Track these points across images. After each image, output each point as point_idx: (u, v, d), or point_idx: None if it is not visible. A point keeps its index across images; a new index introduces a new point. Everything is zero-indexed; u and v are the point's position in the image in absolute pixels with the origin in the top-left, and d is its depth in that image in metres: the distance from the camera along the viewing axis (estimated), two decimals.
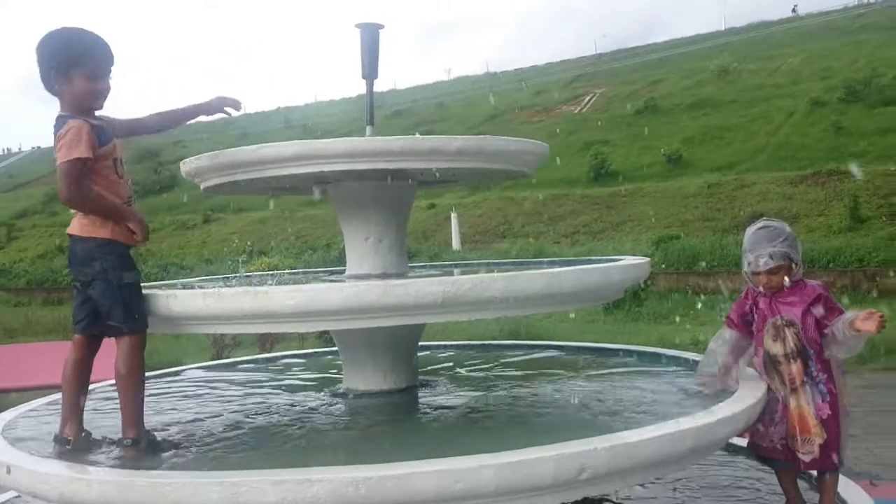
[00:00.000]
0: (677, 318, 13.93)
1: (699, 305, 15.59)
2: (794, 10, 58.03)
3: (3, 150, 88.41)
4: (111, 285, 2.75)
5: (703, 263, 17.94)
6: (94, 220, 2.78)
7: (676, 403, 3.22)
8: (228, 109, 3.12)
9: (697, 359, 4.08)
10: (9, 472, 2.65)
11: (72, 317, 2.92)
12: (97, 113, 2.86)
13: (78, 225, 2.80)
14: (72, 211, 2.84)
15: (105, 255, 2.76)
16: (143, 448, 2.75)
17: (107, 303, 2.77)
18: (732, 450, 3.93)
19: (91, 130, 2.72)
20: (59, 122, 2.76)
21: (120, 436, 2.78)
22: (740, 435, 3.31)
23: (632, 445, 2.51)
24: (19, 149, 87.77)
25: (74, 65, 2.76)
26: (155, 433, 2.89)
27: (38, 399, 3.86)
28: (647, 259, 3.60)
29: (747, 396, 3.12)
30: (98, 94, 2.81)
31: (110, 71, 2.85)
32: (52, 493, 2.49)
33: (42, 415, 3.52)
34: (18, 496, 3.28)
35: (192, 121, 3.20)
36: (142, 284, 2.90)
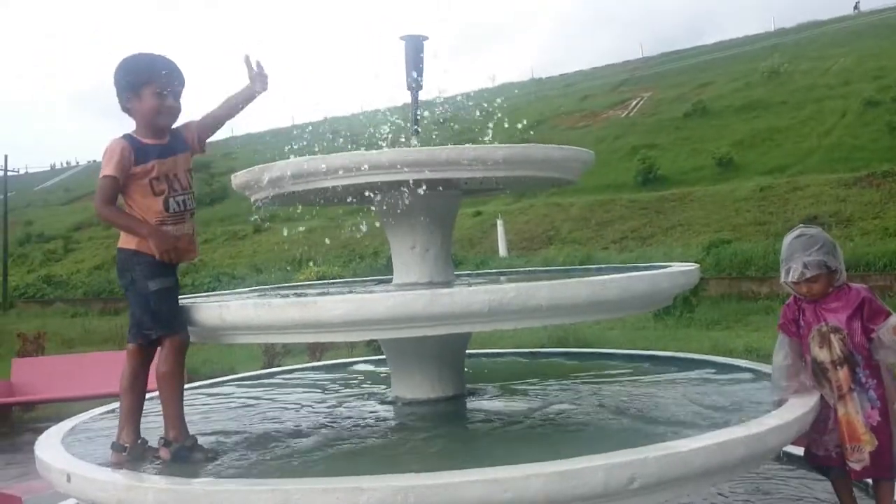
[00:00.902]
0: (730, 325, 13.71)
1: (752, 311, 15.34)
2: (855, 8, 56.62)
3: (62, 163, 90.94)
4: (139, 294, 2.87)
5: (756, 268, 17.62)
6: (126, 234, 2.92)
7: (728, 412, 3.18)
8: (264, 78, 3.15)
9: (751, 367, 4.04)
10: (69, 479, 2.72)
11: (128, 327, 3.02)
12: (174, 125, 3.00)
13: (121, 237, 2.95)
14: None
15: (134, 264, 2.88)
16: (179, 450, 2.82)
17: (137, 311, 2.89)
18: (787, 458, 3.86)
19: (129, 151, 2.85)
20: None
21: (162, 437, 2.85)
22: (795, 444, 3.24)
23: (683, 455, 2.49)
24: (76, 163, 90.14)
25: (141, 86, 2.91)
26: (198, 438, 2.95)
27: (96, 408, 3.95)
28: (696, 265, 3.55)
29: (798, 405, 3.07)
30: (165, 112, 2.94)
31: (180, 92, 2.98)
32: (109, 500, 2.55)
33: (100, 423, 3.61)
34: (78, 503, 3.37)
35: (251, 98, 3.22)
36: (194, 295, 2.97)
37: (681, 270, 3.33)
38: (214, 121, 3.16)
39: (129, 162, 2.84)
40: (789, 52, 43.03)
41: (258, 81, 3.14)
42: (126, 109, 2.97)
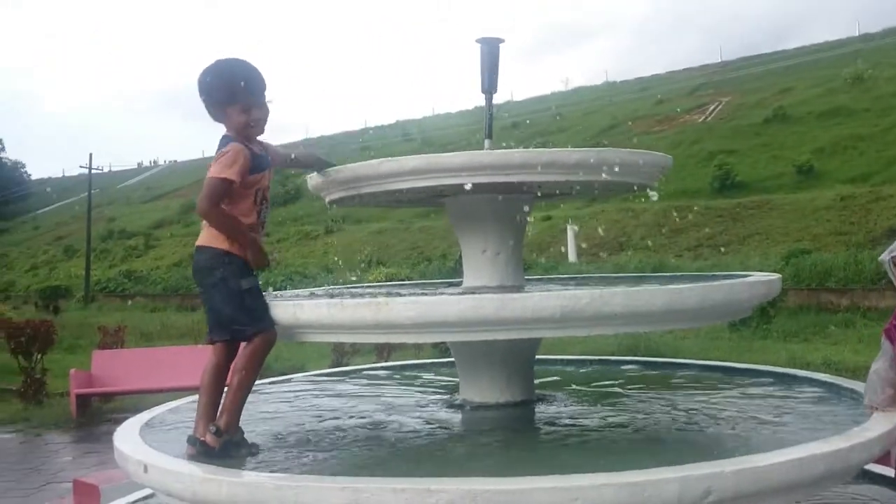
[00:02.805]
0: (808, 337, 13.31)
1: (831, 324, 14.86)
2: None
3: (150, 161, 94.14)
4: (231, 292, 2.90)
5: (836, 280, 17.06)
6: (217, 234, 2.94)
7: (808, 427, 3.08)
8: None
9: (831, 380, 3.90)
10: (146, 470, 2.79)
11: (207, 325, 3.07)
12: (259, 138, 3.07)
13: (206, 236, 2.97)
14: (203, 222, 3.00)
15: (225, 264, 2.92)
16: (227, 443, 2.83)
17: (228, 309, 2.91)
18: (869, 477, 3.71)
19: (250, 158, 2.92)
20: (224, 140, 2.97)
21: (214, 424, 2.87)
22: (878, 462, 3.12)
23: (760, 470, 2.41)
24: (157, 162, 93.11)
25: (231, 100, 2.97)
26: (244, 432, 2.96)
27: (173, 401, 4.05)
28: (778, 276, 3.45)
29: (884, 421, 2.94)
30: (257, 121, 3.01)
31: (264, 97, 3.05)
32: (185, 493, 2.61)
33: (177, 415, 3.69)
34: (153, 494, 3.46)
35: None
36: (271, 293, 3.02)
37: (761, 280, 3.24)
38: (288, 161, 3.37)
39: (247, 170, 2.90)
40: (873, 57, 41.59)
41: (318, 166, 3.41)
42: (216, 118, 3.03)
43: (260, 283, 3.01)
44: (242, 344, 2.98)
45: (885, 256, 3.13)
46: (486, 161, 3.19)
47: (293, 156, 3.38)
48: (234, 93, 2.96)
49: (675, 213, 26.51)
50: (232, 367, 2.96)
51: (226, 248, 2.92)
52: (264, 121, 3.04)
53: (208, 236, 2.95)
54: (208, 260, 2.94)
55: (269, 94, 3.05)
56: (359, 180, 3.36)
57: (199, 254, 2.97)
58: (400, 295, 3.04)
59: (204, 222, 2.99)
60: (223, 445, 2.83)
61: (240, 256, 2.92)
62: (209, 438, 2.83)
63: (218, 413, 2.89)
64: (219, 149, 2.94)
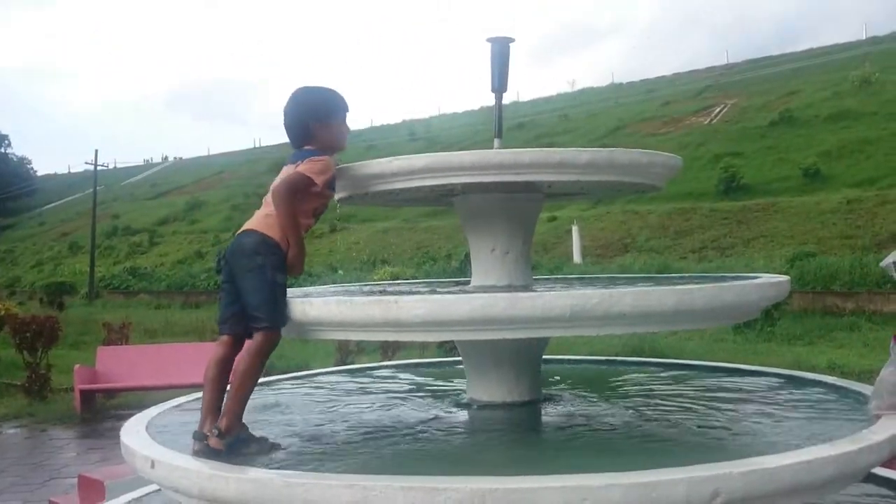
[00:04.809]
0: (813, 340, 13.29)
1: (837, 327, 14.83)
2: None
3: (160, 157, 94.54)
4: (266, 279, 2.92)
5: (842, 283, 17.03)
6: (270, 224, 3.00)
7: (816, 429, 3.07)
8: None
9: (838, 383, 3.90)
10: (153, 466, 2.79)
11: (218, 317, 3.08)
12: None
13: (257, 222, 3.03)
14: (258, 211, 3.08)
15: (268, 252, 2.95)
16: (234, 442, 2.82)
17: (257, 296, 2.92)
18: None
19: (335, 174, 3.15)
20: (306, 153, 3.12)
21: (216, 427, 2.85)
22: (887, 466, 3.11)
23: (769, 471, 2.40)
24: (166, 158, 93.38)
25: (331, 114, 3.22)
26: (249, 428, 2.96)
27: (180, 397, 4.05)
28: (787, 277, 3.44)
29: (891, 424, 2.93)
30: (345, 136, 3.28)
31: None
32: (192, 489, 2.61)
33: (184, 411, 3.69)
34: (159, 489, 3.46)
35: None
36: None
37: (770, 282, 3.23)
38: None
39: (329, 183, 3.12)
40: (881, 60, 41.51)
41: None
42: (305, 140, 3.18)
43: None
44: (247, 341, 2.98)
45: (886, 262, 3.12)
46: (497, 160, 3.18)
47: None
48: (338, 110, 3.24)
49: (679, 216, 26.49)
50: (234, 365, 2.94)
51: (273, 237, 2.96)
52: (345, 137, 3.30)
53: (260, 223, 3.01)
54: (254, 244, 2.97)
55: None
56: (368, 179, 3.35)
57: (246, 236, 3.00)
58: (412, 293, 3.04)
59: (259, 211, 3.06)
60: (229, 446, 2.81)
61: (282, 250, 2.97)
62: (213, 441, 2.81)
63: (220, 414, 2.88)
64: (298, 159, 3.09)
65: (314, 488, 2.35)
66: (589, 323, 2.78)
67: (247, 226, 3.04)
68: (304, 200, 3.05)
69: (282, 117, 3.25)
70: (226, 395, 2.91)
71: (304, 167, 3.03)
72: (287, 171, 3.09)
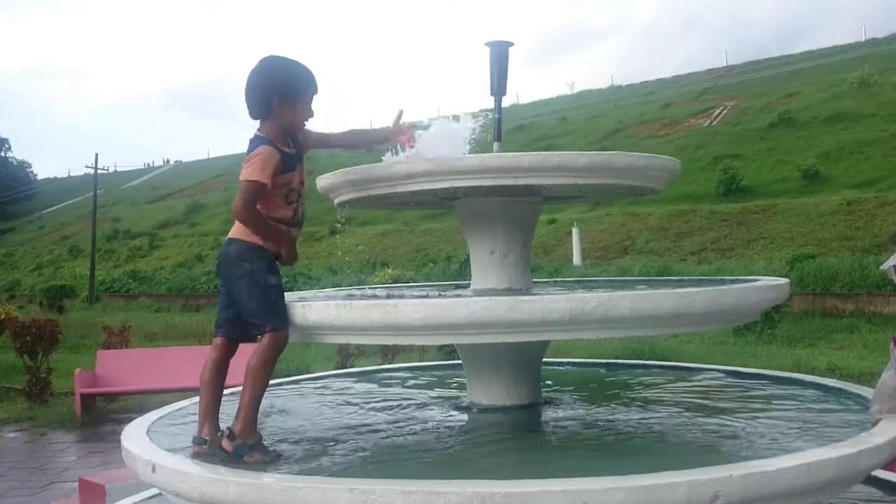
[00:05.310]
0: (813, 342, 13.28)
1: (837, 329, 14.82)
2: None
3: (162, 160, 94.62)
4: (257, 284, 2.90)
5: (842, 285, 17.03)
6: (264, 239, 2.96)
7: (814, 432, 3.07)
8: (405, 142, 3.29)
9: (839, 386, 3.90)
10: (154, 470, 2.80)
11: (215, 320, 3.08)
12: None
13: (238, 229, 2.98)
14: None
15: (255, 257, 2.93)
16: (241, 447, 2.80)
17: (252, 302, 2.91)
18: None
19: (280, 159, 2.93)
20: (255, 142, 2.95)
21: (228, 427, 2.84)
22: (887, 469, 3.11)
23: (768, 475, 2.41)
24: (168, 161, 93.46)
25: (297, 94, 2.99)
26: (264, 439, 2.94)
27: (181, 401, 4.06)
28: (786, 280, 3.44)
29: (891, 427, 2.93)
30: (306, 120, 3.07)
31: (312, 98, 3.09)
32: (192, 493, 2.61)
33: (185, 415, 3.70)
34: (159, 493, 3.46)
35: (381, 145, 3.42)
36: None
37: (770, 285, 3.23)
38: (328, 141, 3.31)
39: (277, 172, 2.91)
40: (880, 62, 41.55)
41: (402, 136, 3.28)
42: (264, 114, 2.99)
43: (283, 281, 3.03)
44: (246, 344, 2.98)
45: (886, 266, 3.12)
46: (496, 164, 3.19)
47: (331, 136, 3.37)
48: (310, 85, 3.02)
49: (679, 218, 26.50)
50: (246, 366, 2.90)
51: (256, 242, 2.94)
52: (306, 120, 3.07)
53: (240, 229, 2.97)
54: (238, 252, 2.95)
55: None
56: (369, 182, 3.36)
57: (230, 245, 2.98)
58: (413, 297, 3.04)
59: None
60: (237, 450, 2.79)
61: (269, 252, 2.95)
62: (224, 443, 2.81)
63: (234, 416, 2.86)
64: (249, 150, 2.94)
65: (313, 492, 2.35)
66: (588, 326, 2.78)
67: (231, 234, 3.01)
68: (269, 201, 2.95)
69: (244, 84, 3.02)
70: (241, 399, 2.88)
71: (244, 174, 2.89)
72: (244, 167, 2.93)
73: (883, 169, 26.71)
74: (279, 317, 2.91)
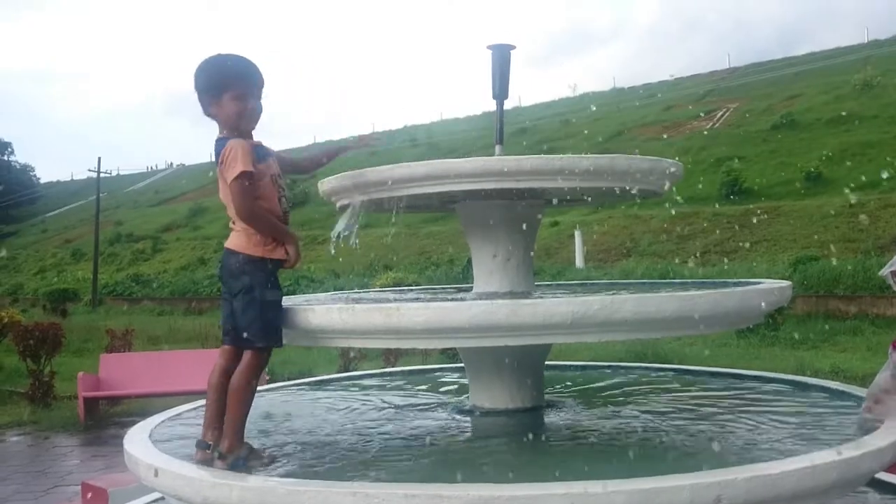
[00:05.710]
0: (817, 344, 13.25)
1: (840, 331, 14.80)
2: None
3: (165, 163, 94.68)
4: (254, 301, 2.86)
5: (845, 287, 17.00)
6: (250, 238, 2.90)
7: (817, 434, 3.07)
8: (370, 143, 3.29)
9: (842, 388, 3.89)
10: (156, 474, 2.80)
11: (221, 326, 3.06)
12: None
13: (235, 241, 2.93)
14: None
15: (253, 271, 2.88)
16: (236, 461, 2.78)
17: (246, 317, 2.87)
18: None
19: (250, 147, 2.86)
20: (219, 143, 2.89)
21: (217, 451, 2.82)
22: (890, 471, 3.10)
23: (772, 477, 2.40)
24: (171, 164, 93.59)
25: (224, 88, 2.90)
26: (253, 445, 2.93)
27: (183, 405, 4.05)
28: (789, 283, 3.43)
29: (895, 430, 2.93)
30: (248, 115, 2.94)
31: (260, 93, 2.98)
32: (195, 497, 2.61)
33: (187, 419, 3.70)
34: (162, 497, 3.46)
35: (339, 156, 3.39)
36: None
37: (773, 287, 3.23)
38: (292, 167, 3.22)
39: (254, 158, 2.84)
40: (882, 64, 41.54)
41: (361, 140, 3.44)
42: (209, 115, 2.96)
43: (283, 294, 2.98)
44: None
45: (884, 272, 3.12)
46: (498, 167, 3.18)
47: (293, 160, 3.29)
48: (231, 80, 2.90)
49: (682, 220, 26.47)
50: (231, 382, 2.87)
51: (258, 254, 2.88)
52: (256, 117, 2.96)
53: (238, 241, 2.90)
54: (239, 264, 2.89)
55: (265, 93, 2.98)
56: (370, 185, 3.36)
57: (229, 257, 2.93)
58: (417, 300, 3.03)
59: (234, 227, 2.93)
60: (233, 465, 2.78)
61: (271, 262, 2.90)
62: (217, 463, 2.80)
63: (221, 435, 2.84)
64: (216, 152, 2.88)
65: (317, 496, 2.35)
66: (590, 329, 2.78)
67: (228, 244, 2.94)
68: (258, 188, 2.87)
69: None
70: (227, 414, 2.86)
71: (227, 173, 2.81)
72: (221, 169, 2.87)
73: (886, 171, 26.68)
74: (269, 337, 2.88)
